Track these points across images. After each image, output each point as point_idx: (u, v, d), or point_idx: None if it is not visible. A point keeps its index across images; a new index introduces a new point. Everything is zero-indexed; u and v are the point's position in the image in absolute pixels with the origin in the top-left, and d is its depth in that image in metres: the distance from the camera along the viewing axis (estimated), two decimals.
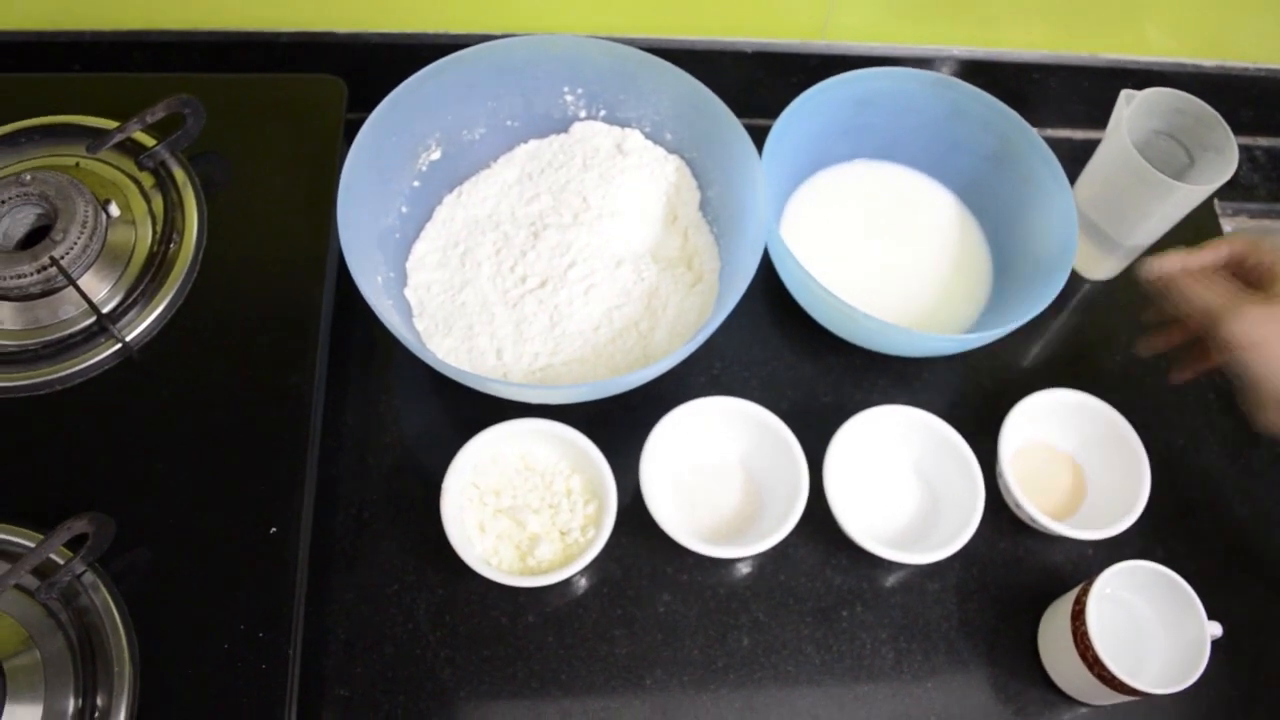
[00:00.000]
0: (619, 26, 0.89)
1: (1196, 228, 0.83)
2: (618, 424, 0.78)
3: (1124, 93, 0.79)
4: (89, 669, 0.62)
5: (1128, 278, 0.90)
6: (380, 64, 0.90)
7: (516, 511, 0.73)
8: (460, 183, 0.85)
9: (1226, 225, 0.98)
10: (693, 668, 0.73)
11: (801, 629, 0.75)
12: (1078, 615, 0.69)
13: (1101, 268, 0.89)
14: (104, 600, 0.64)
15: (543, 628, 0.73)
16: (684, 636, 0.74)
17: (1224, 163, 0.77)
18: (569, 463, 0.75)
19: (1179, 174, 0.82)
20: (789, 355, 0.85)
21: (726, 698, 0.72)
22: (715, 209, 0.83)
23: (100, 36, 0.88)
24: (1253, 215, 1.03)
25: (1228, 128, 0.78)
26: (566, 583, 0.73)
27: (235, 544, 0.67)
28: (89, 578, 0.64)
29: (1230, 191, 0.92)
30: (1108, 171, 0.81)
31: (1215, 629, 0.69)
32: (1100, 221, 0.84)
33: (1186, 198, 0.78)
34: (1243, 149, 1.03)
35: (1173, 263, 0.69)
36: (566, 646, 0.73)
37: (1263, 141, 1.05)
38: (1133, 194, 0.79)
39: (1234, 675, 0.75)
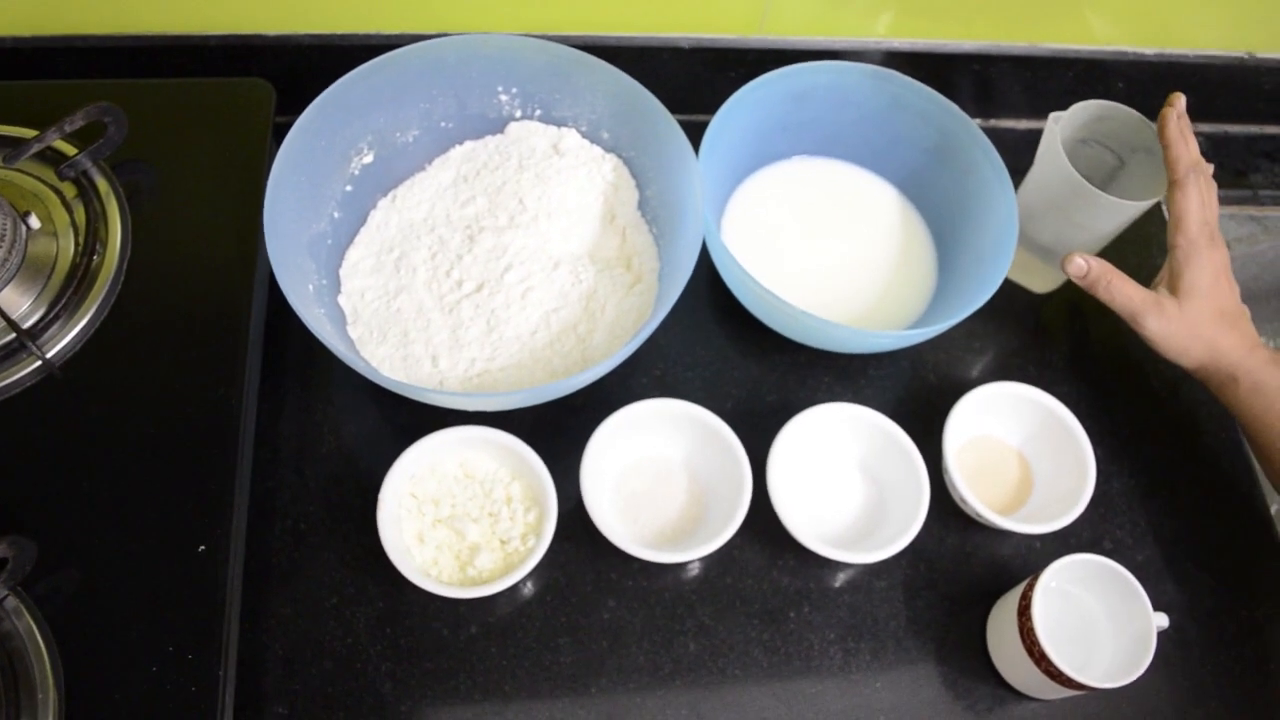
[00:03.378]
0: (553, 24, 0.88)
1: (1141, 226, 0.83)
2: (560, 429, 0.77)
3: (1051, 115, 0.79)
4: (11, 696, 0.60)
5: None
6: (310, 66, 0.88)
7: (455, 521, 0.71)
8: (394, 186, 0.83)
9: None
10: (639, 674, 0.72)
11: (749, 631, 0.74)
12: (1024, 611, 0.69)
13: (1045, 281, 0.89)
14: (27, 625, 0.62)
15: (485, 638, 0.72)
16: (630, 643, 0.73)
17: (1159, 164, 0.77)
18: (508, 470, 0.74)
19: (1109, 176, 0.83)
20: (733, 355, 0.84)
21: (674, 703, 0.71)
22: (654, 208, 0.82)
23: (20, 43, 0.86)
24: None
25: (1155, 128, 0.77)
26: (509, 592, 0.72)
27: (163, 563, 0.65)
28: (10, 602, 0.62)
29: None
30: (1046, 191, 0.80)
31: (1162, 620, 0.69)
32: (1041, 239, 0.84)
33: (1129, 211, 0.77)
34: None
35: (1095, 263, 0.77)
36: (510, 656, 0.71)
37: (1204, 127, 1.05)
38: (1075, 213, 0.79)
39: (1182, 666, 0.75)
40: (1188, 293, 0.75)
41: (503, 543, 0.71)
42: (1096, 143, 0.82)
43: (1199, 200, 0.74)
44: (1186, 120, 0.75)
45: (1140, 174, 0.80)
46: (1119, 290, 0.76)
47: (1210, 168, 0.76)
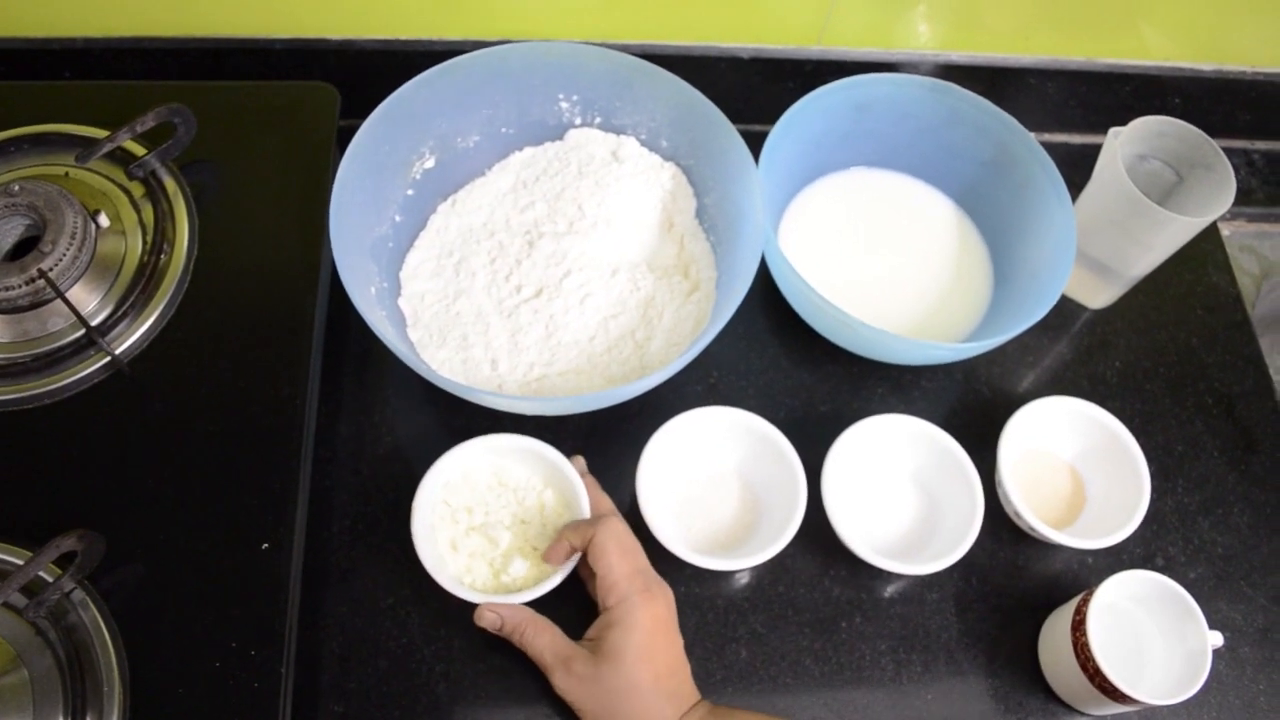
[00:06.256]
0: (614, 33, 0.89)
1: (1196, 243, 0.82)
2: (614, 434, 0.78)
3: (1111, 130, 0.79)
4: (78, 688, 0.61)
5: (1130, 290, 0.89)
6: (374, 71, 0.89)
7: (489, 528, 0.72)
8: (455, 191, 0.84)
9: (1225, 230, 0.98)
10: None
11: (800, 640, 0.74)
12: (1078, 625, 0.69)
13: (1101, 297, 0.89)
14: (93, 618, 0.63)
15: None
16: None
17: (1218, 181, 0.77)
18: (540, 477, 0.74)
19: (1167, 192, 0.82)
20: (786, 364, 0.84)
21: None
22: (712, 216, 0.83)
23: (92, 44, 0.88)
24: (1250, 219, 1.03)
25: (1215, 145, 0.77)
26: (563, 595, 0.72)
27: (227, 560, 0.66)
28: (78, 595, 0.63)
29: None
30: (1105, 208, 0.80)
31: (1217, 638, 0.69)
32: (1099, 255, 0.84)
33: (1189, 228, 0.77)
34: (1240, 152, 1.03)
35: (509, 612, 0.69)
36: None
37: (1260, 145, 1.04)
38: (1134, 229, 0.79)
39: (1236, 685, 0.75)
40: (610, 655, 0.66)
41: (535, 549, 0.72)
42: (1155, 158, 0.81)
43: (618, 548, 0.68)
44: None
45: (1199, 190, 0.80)
46: (532, 641, 0.68)
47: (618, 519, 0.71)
